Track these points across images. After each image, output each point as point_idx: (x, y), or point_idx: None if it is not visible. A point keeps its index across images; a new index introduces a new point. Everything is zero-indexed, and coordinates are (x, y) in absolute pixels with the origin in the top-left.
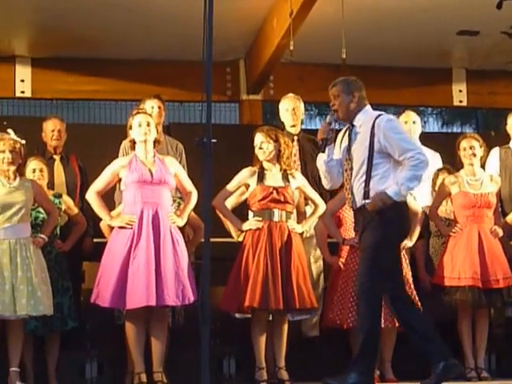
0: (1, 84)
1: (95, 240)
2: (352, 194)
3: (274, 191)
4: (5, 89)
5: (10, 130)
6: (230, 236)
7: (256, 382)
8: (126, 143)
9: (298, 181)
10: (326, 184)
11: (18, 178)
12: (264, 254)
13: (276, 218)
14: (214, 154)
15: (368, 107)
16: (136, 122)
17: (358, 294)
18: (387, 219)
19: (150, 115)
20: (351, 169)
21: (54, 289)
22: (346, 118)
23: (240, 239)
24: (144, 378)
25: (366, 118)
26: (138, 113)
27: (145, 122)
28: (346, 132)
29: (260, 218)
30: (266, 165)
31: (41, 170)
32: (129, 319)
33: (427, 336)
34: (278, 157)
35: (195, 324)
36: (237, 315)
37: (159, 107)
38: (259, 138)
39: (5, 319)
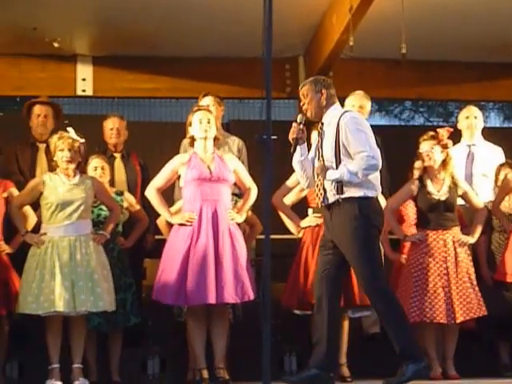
0: (62, 83)
1: (156, 237)
2: (324, 190)
3: None
4: (66, 88)
5: (69, 129)
6: (290, 233)
7: None
8: (185, 142)
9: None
10: (303, 184)
11: (78, 176)
12: None
13: None
14: (273, 151)
15: (337, 105)
16: (196, 118)
17: (367, 292)
18: (360, 214)
19: (211, 112)
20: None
21: (116, 285)
22: (315, 116)
23: (300, 235)
24: (206, 374)
25: (333, 115)
26: (199, 109)
27: (205, 119)
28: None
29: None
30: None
31: (102, 168)
32: (190, 316)
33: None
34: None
35: (256, 320)
36: (297, 312)
37: (214, 104)
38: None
39: (67, 316)
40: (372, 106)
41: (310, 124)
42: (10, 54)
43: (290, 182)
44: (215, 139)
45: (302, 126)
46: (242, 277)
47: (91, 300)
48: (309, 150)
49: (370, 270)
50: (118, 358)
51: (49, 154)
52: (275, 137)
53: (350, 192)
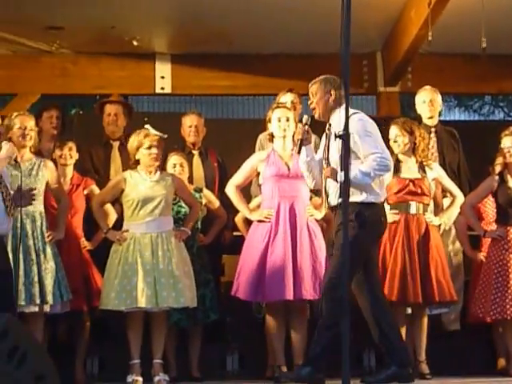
0: (141, 81)
1: (234, 233)
2: (326, 192)
3: (411, 183)
4: (145, 86)
5: (147, 126)
6: None
7: None
8: (261, 137)
9: (435, 172)
10: (309, 183)
11: (158, 173)
12: (401, 247)
13: (413, 211)
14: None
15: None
16: (275, 116)
17: (323, 288)
18: (362, 220)
19: (290, 109)
20: (328, 166)
21: (196, 282)
22: (322, 116)
23: None
24: (285, 370)
25: (339, 115)
26: (278, 107)
27: (284, 117)
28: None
29: (397, 211)
30: (401, 157)
31: (181, 165)
32: (269, 312)
33: (390, 337)
34: (413, 149)
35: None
36: None
37: (293, 102)
38: (394, 131)
39: (148, 312)
40: (451, 101)
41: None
42: (90, 52)
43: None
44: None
45: (307, 126)
46: (320, 273)
47: (173, 296)
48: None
49: (335, 274)
50: (198, 354)
51: (123, 152)
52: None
53: (352, 197)
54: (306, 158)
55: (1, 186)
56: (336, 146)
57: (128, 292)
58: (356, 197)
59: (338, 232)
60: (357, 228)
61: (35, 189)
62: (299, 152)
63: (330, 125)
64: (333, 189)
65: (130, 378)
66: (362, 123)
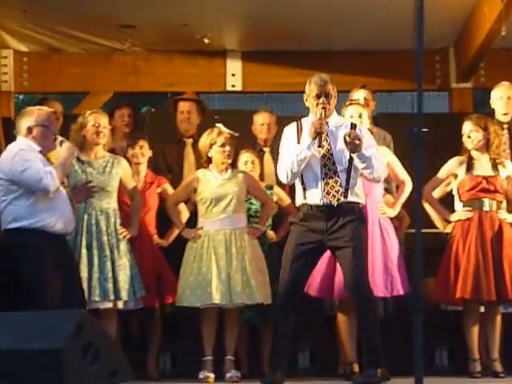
0: (212, 79)
1: None
2: (340, 187)
3: (484, 180)
4: (216, 83)
5: (219, 125)
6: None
7: (470, 373)
8: None
9: (509, 170)
10: (288, 179)
11: (229, 170)
12: (475, 244)
13: (486, 208)
14: (423, 144)
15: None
16: (348, 113)
17: (356, 296)
18: (362, 217)
19: (363, 106)
20: (333, 163)
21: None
22: (328, 116)
23: (448, 230)
24: (356, 367)
25: (338, 119)
26: (351, 104)
27: (357, 114)
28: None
29: (470, 208)
30: (474, 154)
31: (252, 162)
32: (341, 310)
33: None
34: (486, 146)
35: (406, 315)
36: (449, 307)
37: (366, 98)
38: (468, 127)
39: (222, 308)
40: None
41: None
42: (162, 50)
43: (438, 176)
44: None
45: (322, 120)
46: (392, 271)
47: (246, 293)
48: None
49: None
50: (269, 351)
51: (197, 150)
52: (426, 129)
53: (353, 197)
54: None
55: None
56: (342, 147)
57: (203, 288)
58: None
59: (340, 229)
60: (363, 224)
61: (90, 181)
62: (320, 146)
63: (327, 123)
64: (336, 188)
65: (201, 375)
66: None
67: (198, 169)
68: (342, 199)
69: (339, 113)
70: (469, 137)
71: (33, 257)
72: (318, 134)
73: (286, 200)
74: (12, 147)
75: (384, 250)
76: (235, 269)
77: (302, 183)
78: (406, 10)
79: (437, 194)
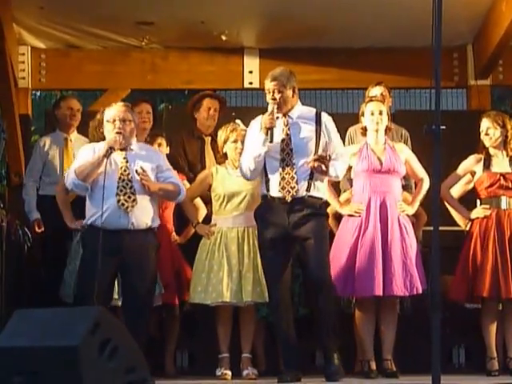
0: (230, 76)
1: None
2: (296, 184)
3: (502, 177)
4: (234, 80)
5: (238, 121)
6: (457, 224)
7: (487, 371)
8: (351, 131)
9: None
10: (249, 176)
11: None
12: (493, 242)
13: (504, 206)
14: (441, 141)
15: (299, 101)
16: (368, 109)
17: (319, 286)
18: (324, 211)
19: (383, 103)
20: (291, 159)
21: None
22: (285, 110)
23: (467, 228)
24: (374, 365)
25: (302, 111)
26: (371, 100)
27: (377, 111)
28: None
29: (488, 206)
30: (492, 151)
31: None
32: (359, 308)
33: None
34: (504, 143)
35: (423, 312)
36: (466, 305)
37: (382, 94)
38: (485, 124)
39: (236, 306)
40: None
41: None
42: (179, 47)
43: (456, 174)
44: (387, 129)
45: (275, 116)
46: (411, 269)
47: (257, 291)
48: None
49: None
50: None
51: (215, 147)
52: (444, 127)
53: (315, 192)
54: (266, 148)
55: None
56: (306, 140)
57: (214, 286)
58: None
59: (304, 224)
60: (324, 219)
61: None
62: (271, 141)
63: (289, 117)
64: (301, 181)
65: (218, 372)
66: (332, 121)
67: None
68: (299, 194)
69: (357, 110)
70: (487, 134)
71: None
72: (268, 130)
73: None
74: None
75: (403, 248)
76: (247, 267)
77: (266, 175)
78: (424, 8)
79: (457, 192)
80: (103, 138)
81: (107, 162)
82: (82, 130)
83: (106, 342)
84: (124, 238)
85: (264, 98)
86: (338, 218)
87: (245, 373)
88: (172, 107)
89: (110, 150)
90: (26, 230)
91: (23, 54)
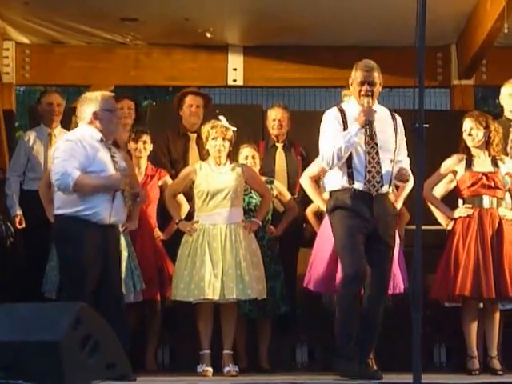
0: (214, 73)
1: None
2: (381, 178)
3: (484, 177)
4: (217, 78)
5: (221, 117)
6: (439, 223)
7: (468, 370)
8: None
9: (508, 166)
10: (333, 164)
11: (228, 164)
12: (475, 241)
13: (486, 205)
14: (425, 140)
15: None
16: None
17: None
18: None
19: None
20: (377, 153)
21: (266, 274)
22: (372, 103)
23: (449, 227)
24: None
25: (380, 107)
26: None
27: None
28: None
29: (470, 205)
30: (474, 151)
31: (253, 157)
32: None
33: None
34: (487, 144)
35: (405, 311)
36: (447, 304)
37: None
38: (468, 124)
39: (218, 303)
40: None
41: None
42: (163, 44)
43: (438, 173)
44: None
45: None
46: (394, 268)
47: (240, 288)
48: None
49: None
50: (267, 346)
51: (200, 144)
52: (427, 126)
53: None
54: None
55: None
56: (389, 138)
57: (196, 283)
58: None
59: (379, 221)
60: None
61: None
62: (357, 134)
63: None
64: (385, 176)
65: (200, 368)
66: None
67: None
68: (383, 190)
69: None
70: (470, 134)
71: (71, 244)
72: (368, 122)
73: (287, 195)
74: (67, 135)
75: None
76: (229, 264)
77: (349, 167)
78: (408, 7)
79: (440, 191)
80: None
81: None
82: (67, 125)
83: (88, 337)
84: (109, 231)
85: (248, 95)
86: (319, 215)
87: (226, 369)
88: (156, 104)
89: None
90: (9, 224)
91: (7, 50)
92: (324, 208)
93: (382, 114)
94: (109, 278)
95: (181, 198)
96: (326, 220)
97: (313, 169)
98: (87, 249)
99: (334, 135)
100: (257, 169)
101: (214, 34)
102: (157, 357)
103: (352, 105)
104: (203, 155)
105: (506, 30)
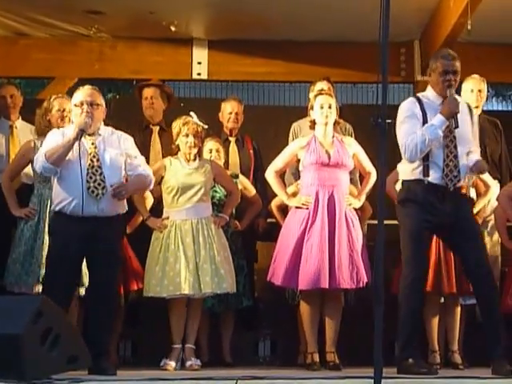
0: (178, 66)
1: (268, 220)
2: (458, 173)
3: None
4: (182, 71)
5: (192, 113)
6: None
7: (429, 364)
8: (295, 125)
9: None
10: (417, 156)
11: (197, 160)
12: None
13: None
14: (387, 135)
15: None
16: (318, 103)
17: (485, 278)
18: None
19: (332, 96)
20: (455, 147)
21: None
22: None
23: None
24: (317, 357)
25: (458, 98)
26: (321, 94)
27: (327, 104)
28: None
29: None
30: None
31: (217, 151)
32: (303, 299)
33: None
34: None
35: (367, 305)
36: None
37: (329, 89)
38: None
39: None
40: (488, 91)
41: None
42: (128, 37)
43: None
44: (335, 123)
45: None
46: (357, 262)
47: (216, 282)
48: None
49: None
50: (230, 340)
51: (163, 137)
52: (390, 121)
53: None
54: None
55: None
56: (468, 130)
57: (170, 279)
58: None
59: (458, 212)
60: None
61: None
62: (457, 126)
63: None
64: (463, 169)
65: (163, 362)
66: None
67: (164, 156)
68: (460, 184)
69: (305, 102)
70: None
71: (50, 237)
72: (454, 114)
73: (251, 189)
74: None
75: (349, 242)
76: (203, 258)
77: (425, 159)
78: (372, 3)
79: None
80: (49, 126)
81: (79, 145)
82: (31, 118)
83: (49, 330)
84: (93, 225)
85: (213, 89)
86: (284, 210)
87: (188, 363)
88: (119, 97)
89: (81, 132)
90: None
91: None
92: (288, 202)
93: (461, 106)
94: (94, 276)
95: (146, 192)
96: (290, 214)
97: (277, 163)
98: (59, 241)
99: (413, 126)
100: (221, 162)
101: (179, 28)
102: (119, 350)
103: (430, 95)
104: (171, 149)
105: (469, 27)
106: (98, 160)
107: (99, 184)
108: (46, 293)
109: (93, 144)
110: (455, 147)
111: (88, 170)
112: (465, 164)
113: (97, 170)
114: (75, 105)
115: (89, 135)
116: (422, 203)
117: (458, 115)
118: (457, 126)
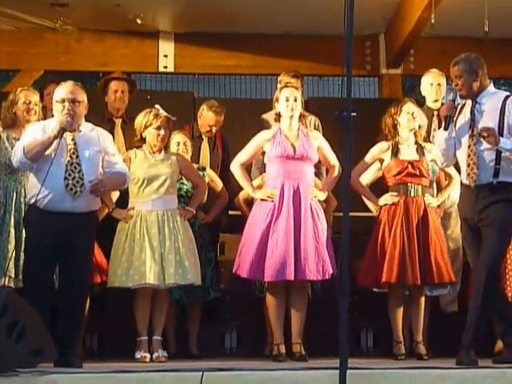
0: (145, 59)
1: (231, 213)
2: (478, 169)
3: (409, 165)
4: (148, 64)
5: (157, 106)
6: (368, 210)
7: (394, 355)
8: (264, 117)
9: (433, 154)
10: (441, 162)
11: (162, 152)
12: (400, 228)
13: (412, 193)
14: (352, 128)
15: (491, 85)
16: (283, 96)
17: (489, 268)
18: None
19: (298, 89)
20: (475, 145)
21: None
22: (469, 96)
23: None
24: (283, 349)
25: (491, 96)
26: (287, 86)
27: (292, 97)
28: (462, 109)
29: (395, 193)
30: (399, 139)
31: (184, 144)
32: (269, 291)
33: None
34: (414, 132)
35: (333, 296)
36: (375, 289)
37: (294, 82)
38: (413, 108)
39: (154, 289)
40: (448, 84)
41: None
42: (94, 30)
43: (364, 161)
44: (301, 116)
45: (455, 103)
46: (323, 254)
47: (180, 273)
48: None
49: (499, 253)
50: (197, 332)
51: (125, 129)
52: (355, 114)
53: (505, 177)
54: (448, 135)
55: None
56: (491, 125)
57: (136, 269)
58: (510, 177)
59: (485, 209)
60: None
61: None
62: (446, 128)
63: (475, 103)
64: (485, 167)
65: (138, 355)
66: None
67: (127, 149)
68: (482, 181)
69: (271, 96)
70: (414, 118)
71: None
72: (447, 117)
73: (218, 182)
74: None
75: (315, 233)
76: (168, 249)
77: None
78: None
79: (368, 179)
80: (15, 119)
81: (58, 143)
82: None
83: (14, 323)
84: (66, 221)
85: (179, 82)
86: (250, 202)
87: (155, 355)
88: (86, 90)
89: (62, 130)
90: None
91: None
92: (253, 194)
93: (489, 102)
94: (68, 269)
95: None
96: (255, 206)
97: (243, 155)
98: (34, 234)
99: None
100: (188, 155)
101: (145, 21)
102: (85, 342)
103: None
104: (135, 141)
105: (432, 21)
106: (77, 157)
107: (77, 182)
108: (26, 283)
109: (72, 140)
110: (475, 145)
111: (67, 166)
112: (488, 160)
113: (76, 168)
114: (56, 101)
115: (69, 131)
116: (461, 206)
117: (481, 113)
118: (446, 129)
